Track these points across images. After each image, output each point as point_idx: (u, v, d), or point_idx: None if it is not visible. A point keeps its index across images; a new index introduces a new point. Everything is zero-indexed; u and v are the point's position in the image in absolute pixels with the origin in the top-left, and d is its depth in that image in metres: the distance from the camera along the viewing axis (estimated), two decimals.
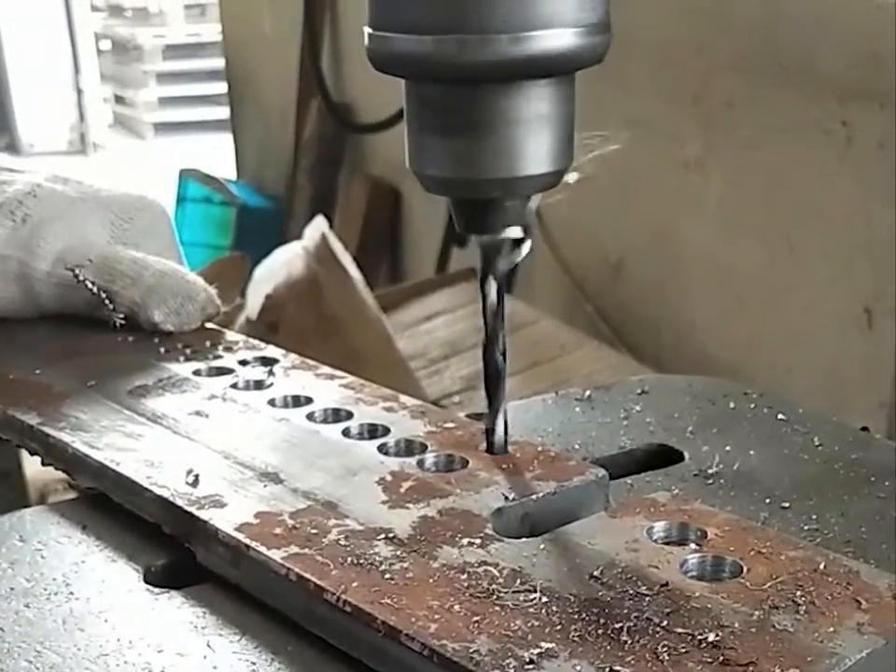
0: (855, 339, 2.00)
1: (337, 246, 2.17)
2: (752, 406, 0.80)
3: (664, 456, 0.75)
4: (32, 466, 1.13)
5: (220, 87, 5.10)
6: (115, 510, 0.68)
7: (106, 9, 7.39)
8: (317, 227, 2.22)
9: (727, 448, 0.74)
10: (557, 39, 0.58)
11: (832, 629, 0.51)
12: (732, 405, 0.80)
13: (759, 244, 2.20)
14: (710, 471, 0.71)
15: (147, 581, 0.62)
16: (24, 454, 1.05)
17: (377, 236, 3.54)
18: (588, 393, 0.82)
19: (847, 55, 1.94)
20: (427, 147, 0.62)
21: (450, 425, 0.73)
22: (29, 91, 6.88)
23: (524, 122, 0.60)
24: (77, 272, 0.88)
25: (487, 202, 0.63)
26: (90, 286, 0.88)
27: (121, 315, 0.88)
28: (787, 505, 0.67)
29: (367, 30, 0.61)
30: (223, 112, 5.02)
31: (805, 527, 0.65)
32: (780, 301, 2.17)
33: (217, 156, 4.96)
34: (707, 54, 2.23)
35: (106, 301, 0.88)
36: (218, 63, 5.11)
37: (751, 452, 0.73)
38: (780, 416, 0.78)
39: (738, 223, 2.25)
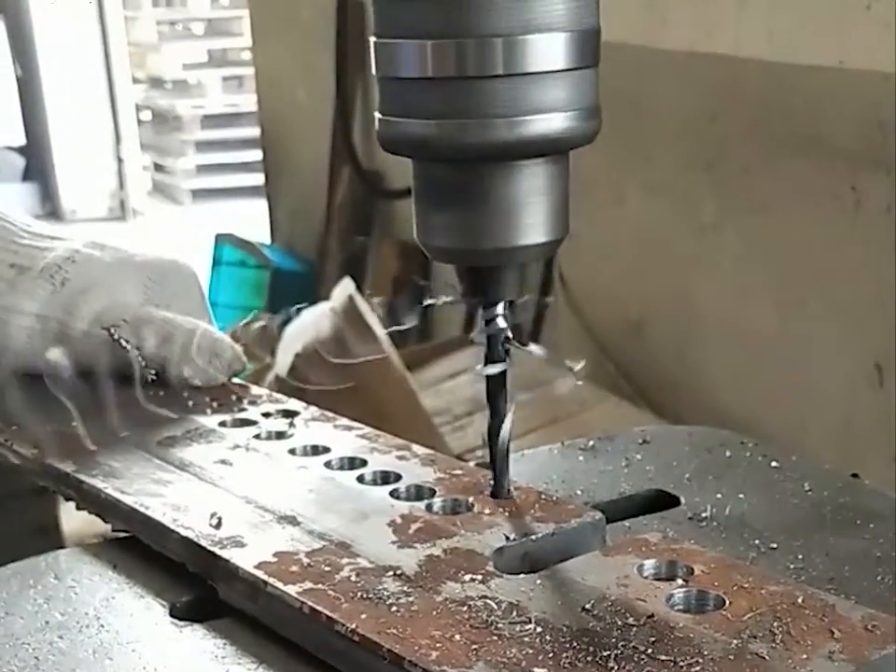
0: (866, 395, 2.03)
1: (363, 307, 2.23)
2: (748, 454, 0.84)
3: (661, 501, 0.78)
4: (69, 521, 1.17)
5: (256, 154, 5.23)
6: (143, 551, 0.72)
7: (147, 81, 7.60)
8: (345, 288, 2.29)
9: (720, 493, 0.78)
10: (550, 123, 0.63)
11: (805, 656, 0.55)
12: (728, 454, 0.84)
13: (773, 303, 2.25)
14: (704, 515, 0.75)
15: (172, 616, 0.66)
16: (62, 509, 1.10)
17: (406, 297, 3.60)
18: (592, 443, 0.87)
19: (855, 124, 2.00)
20: (432, 220, 0.67)
21: (458, 472, 0.77)
22: (72, 159, 7.07)
23: (521, 197, 0.65)
24: (112, 331, 0.94)
25: (488, 269, 0.68)
26: (124, 344, 0.93)
27: (153, 372, 0.93)
28: (775, 546, 0.71)
29: (376, 115, 0.67)
30: (258, 179, 5.14)
31: (791, 566, 0.68)
32: (794, 359, 2.21)
33: (253, 221, 5.07)
34: (721, 123, 2.30)
35: (139, 359, 0.93)
36: (254, 132, 5.24)
37: (743, 496, 0.77)
38: (774, 464, 0.82)
39: (753, 284, 2.30)
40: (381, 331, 2.19)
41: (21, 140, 7.16)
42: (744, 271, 2.32)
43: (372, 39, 0.65)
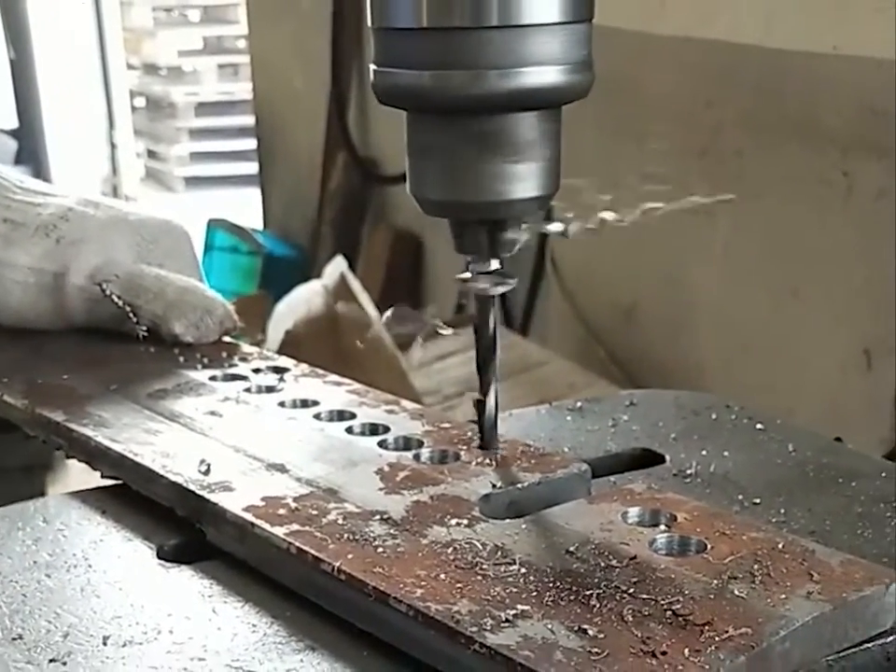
0: (855, 379, 2.04)
1: (355, 285, 2.24)
2: (733, 417, 0.85)
3: (646, 459, 0.79)
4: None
5: (250, 143, 5.22)
6: (131, 498, 0.73)
7: (142, 68, 7.58)
8: (337, 266, 2.29)
9: (705, 452, 0.78)
10: (543, 76, 0.64)
11: (783, 596, 0.56)
12: (714, 416, 0.85)
13: (764, 288, 2.26)
14: (688, 472, 0.75)
15: (160, 558, 0.67)
16: (49, 489, 1.10)
17: (399, 283, 3.62)
18: (579, 404, 0.87)
19: (848, 110, 2.01)
20: (425, 172, 0.68)
21: (446, 425, 0.78)
22: (65, 144, 7.05)
23: (512, 151, 0.66)
24: (104, 287, 0.94)
25: (479, 223, 0.68)
26: (116, 300, 0.94)
27: (144, 328, 0.94)
28: (758, 501, 0.72)
29: (372, 66, 0.68)
30: (252, 168, 5.14)
31: (774, 520, 0.69)
32: (784, 344, 2.23)
33: (245, 210, 5.06)
34: (716, 109, 2.31)
35: (131, 315, 0.94)
36: (249, 120, 5.24)
37: (728, 455, 0.78)
38: (759, 426, 0.83)
39: (745, 269, 2.32)
40: (372, 310, 2.20)
41: (13, 123, 7.14)
42: (736, 256, 2.33)
43: None
